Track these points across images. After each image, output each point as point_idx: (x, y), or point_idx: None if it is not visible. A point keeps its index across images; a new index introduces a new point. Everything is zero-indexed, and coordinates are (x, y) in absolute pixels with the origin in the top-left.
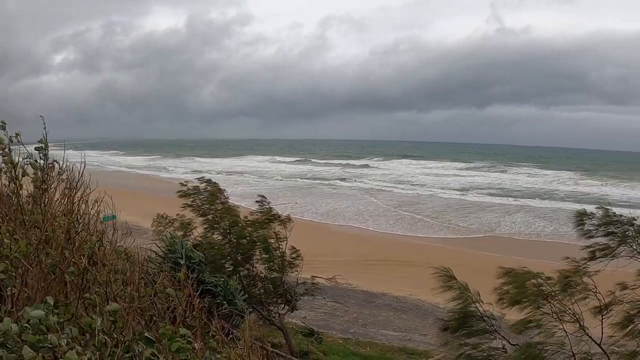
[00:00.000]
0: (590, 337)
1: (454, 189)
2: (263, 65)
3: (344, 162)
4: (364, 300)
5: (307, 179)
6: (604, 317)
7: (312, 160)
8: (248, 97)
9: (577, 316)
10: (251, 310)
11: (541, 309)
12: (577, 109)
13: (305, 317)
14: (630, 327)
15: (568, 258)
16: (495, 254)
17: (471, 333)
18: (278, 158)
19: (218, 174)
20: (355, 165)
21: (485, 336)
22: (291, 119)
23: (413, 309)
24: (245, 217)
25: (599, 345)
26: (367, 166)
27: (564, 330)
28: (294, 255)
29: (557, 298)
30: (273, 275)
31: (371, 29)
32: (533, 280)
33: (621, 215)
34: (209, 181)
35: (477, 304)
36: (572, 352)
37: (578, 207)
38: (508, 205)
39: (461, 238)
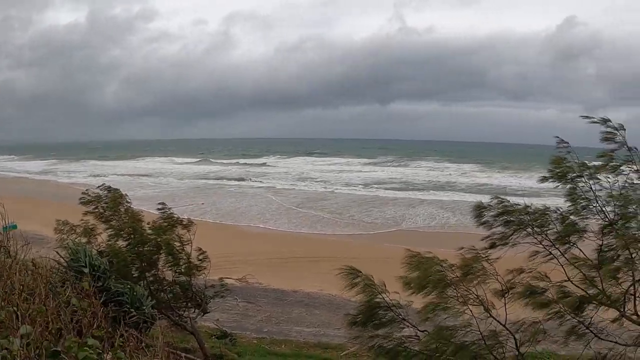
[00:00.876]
0: (494, 318)
1: (357, 185)
2: (167, 62)
3: (243, 161)
4: (275, 299)
5: (209, 179)
6: (506, 299)
7: (212, 160)
8: (152, 96)
9: (481, 299)
10: (161, 316)
11: (446, 293)
12: (478, 105)
13: (218, 320)
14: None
15: (463, 248)
16: (402, 245)
17: (380, 324)
18: (179, 159)
19: (121, 176)
20: (255, 164)
21: (394, 325)
22: (196, 118)
23: (325, 304)
24: (149, 222)
25: (504, 325)
26: (265, 164)
27: (471, 313)
28: (200, 258)
29: (461, 284)
30: (181, 279)
31: (277, 27)
32: (437, 267)
33: (517, 204)
34: (109, 188)
35: (384, 295)
36: (480, 332)
37: (480, 197)
38: (411, 198)
39: (367, 233)
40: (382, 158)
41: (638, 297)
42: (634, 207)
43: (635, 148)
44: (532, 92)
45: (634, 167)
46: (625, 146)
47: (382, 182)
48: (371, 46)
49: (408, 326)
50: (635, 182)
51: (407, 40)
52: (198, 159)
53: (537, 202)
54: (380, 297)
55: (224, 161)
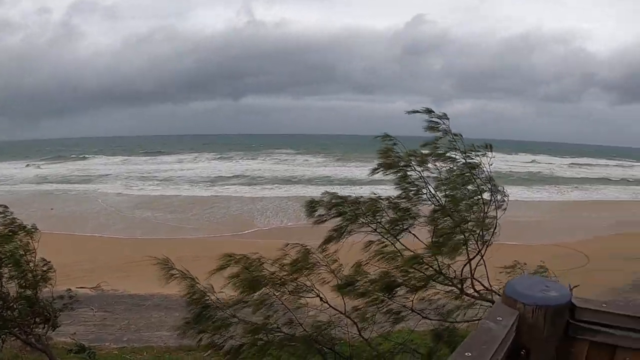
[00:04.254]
0: (332, 307)
1: (204, 182)
2: (9, 54)
3: (82, 163)
4: (133, 305)
5: (50, 182)
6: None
7: (52, 162)
8: None
9: (316, 290)
10: (7, 336)
11: (277, 288)
12: (329, 99)
13: (74, 334)
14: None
15: (288, 242)
16: (259, 239)
17: (211, 322)
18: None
19: None
20: (100, 164)
21: (226, 322)
22: (45, 116)
23: (185, 306)
24: None
25: (343, 313)
26: (109, 163)
27: (307, 306)
28: (45, 268)
29: (296, 278)
30: (26, 293)
31: (125, 17)
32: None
33: (349, 196)
34: None
35: (210, 294)
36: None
37: (327, 188)
38: (263, 193)
39: (222, 230)
40: (232, 153)
41: (475, 275)
42: (460, 189)
43: (460, 135)
44: (381, 86)
45: (458, 152)
46: (450, 134)
47: (230, 178)
48: (222, 39)
49: (238, 323)
50: (460, 166)
51: (258, 34)
52: (27, 163)
53: (382, 191)
54: (208, 296)
55: (61, 164)
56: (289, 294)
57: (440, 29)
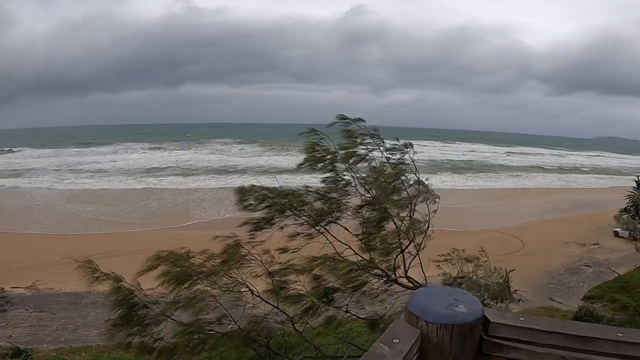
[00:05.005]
0: (265, 301)
1: (139, 174)
2: None
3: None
4: (70, 303)
5: None
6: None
7: None
8: None
9: (249, 285)
10: None
11: (209, 282)
12: (269, 87)
13: (10, 336)
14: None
15: (217, 237)
16: (197, 231)
17: (139, 322)
18: None
19: None
20: (31, 156)
21: (155, 320)
22: None
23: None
24: None
25: (277, 307)
26: (41, 156)
27: (240, 300)
28: None
29: (227, 271)
30: None
31: (61, 3)
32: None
33: (280, 187)
34: None
35: (137, 293)
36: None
37: (263, 178)
38: (196, 183)
39: (159, 223)
40: (168, 143)
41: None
42: (384, 181)
43: (378, 132)
44: (321, 75)
45: (382, 148)
46: (374, 137)
47: (164, 169)
48: (160, 26)
49: (169, 322)
50: (384, 160)
51: (197, 21)
52: None
53: (315, 180)
54: (135, 295)
55: None
56: (220, 289)
57: (380, 19)
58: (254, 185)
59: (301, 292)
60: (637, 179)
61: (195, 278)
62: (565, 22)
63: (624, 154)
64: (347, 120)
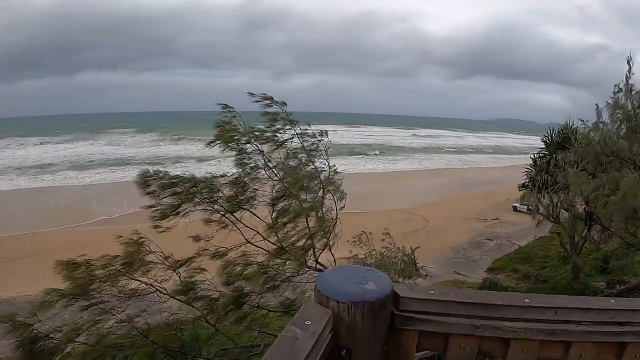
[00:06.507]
0: (174, 297)
1: (33, 169)
2: None
3: None
4: None
5: None
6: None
7: None
8: None
9: (157, 286)
10: None
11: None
12: (169, 74)
13: None
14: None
15: (121, 237)
16: (101, 227)
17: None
18: None
19: None
20: None
21: (58, 348)
22: None
23: (28, 308)
24: None
25: (189, 304)
26: None
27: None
28: None
29: (129, 275)
30: None
31: None
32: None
33: (184, 174)
34: None
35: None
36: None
37: (166, 168)
38: (93, 177)
39: (59, 222)
40: (64, 136)
41: (317, 248)
42: (296, 167)
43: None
44: (223, 61)
45: (296, 130)
46: (288, 122)
47: (60, 164)
48: (55, 11)
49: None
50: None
51: (93, 5)
52: None
53: (229, 169)
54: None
55: None
56: (125, 295)
57: (283, 4)
58: (159, 171)
59: (212, 296)
60: (533, 157)
61: (92, 296)
62: (466, 9)
63: (521, 134)
64: (269, 101)
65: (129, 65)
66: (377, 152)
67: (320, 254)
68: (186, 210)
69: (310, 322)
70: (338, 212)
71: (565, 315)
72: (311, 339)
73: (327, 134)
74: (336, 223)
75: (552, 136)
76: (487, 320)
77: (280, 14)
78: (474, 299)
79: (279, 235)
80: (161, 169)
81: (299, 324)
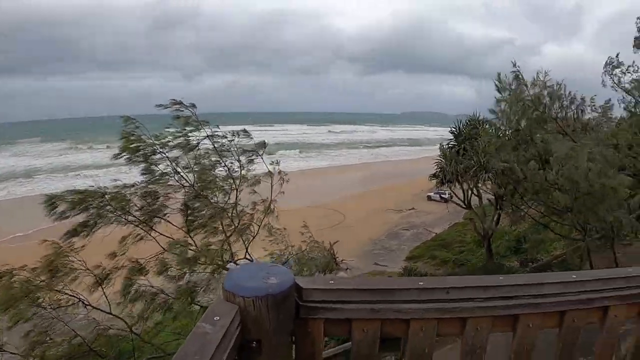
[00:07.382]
0: (97, 308)
1: None
2: None
3: None
4: None
5: None
6: (105, 287)
7: None
8: None
9: (81, 297)
10: None
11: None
12: (77, 78)
13: None
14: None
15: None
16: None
17: None
18: None
19: None
20: None
21: None
22: None
23: None
24: None
25: (111, 313)
26: None
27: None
28: None
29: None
30: None
31: None
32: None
33: (92, 187)
34: None
35: None
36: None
37: (73, 180)
38: (3, 192)
39: None
40: None
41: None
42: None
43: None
44: (132, 63)
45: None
46: (199, 123)
47: None
48: None
49: None
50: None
51: None
52: None
53: (125, 175)
54: None
55: None
56: (45, 308)
57: (191, 3)
58: (66, 191)
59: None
60: (441, 147)
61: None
62: (375, 6)
63: (433, 126)
64: (178, 105)
65: (33, 69)
66: (298, 151)
67: (242, 249)
68: (98, 225)
69: (218, 317)
70: (254, 212)
71: (456, 293)
72: (219, 332)
73: (237, 134)
74: (251, 223)
75: (459, 127)
76: (385, 303)
77: (188, 12)
78: (372, 285)
79: (194, 240)
80: (70, 187)
81: (208, 320)
